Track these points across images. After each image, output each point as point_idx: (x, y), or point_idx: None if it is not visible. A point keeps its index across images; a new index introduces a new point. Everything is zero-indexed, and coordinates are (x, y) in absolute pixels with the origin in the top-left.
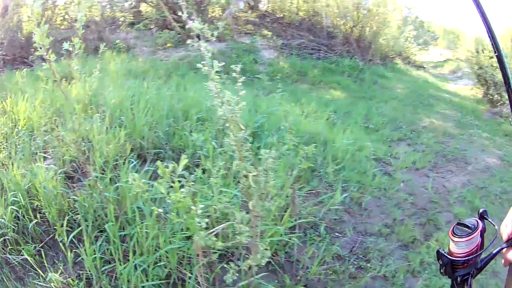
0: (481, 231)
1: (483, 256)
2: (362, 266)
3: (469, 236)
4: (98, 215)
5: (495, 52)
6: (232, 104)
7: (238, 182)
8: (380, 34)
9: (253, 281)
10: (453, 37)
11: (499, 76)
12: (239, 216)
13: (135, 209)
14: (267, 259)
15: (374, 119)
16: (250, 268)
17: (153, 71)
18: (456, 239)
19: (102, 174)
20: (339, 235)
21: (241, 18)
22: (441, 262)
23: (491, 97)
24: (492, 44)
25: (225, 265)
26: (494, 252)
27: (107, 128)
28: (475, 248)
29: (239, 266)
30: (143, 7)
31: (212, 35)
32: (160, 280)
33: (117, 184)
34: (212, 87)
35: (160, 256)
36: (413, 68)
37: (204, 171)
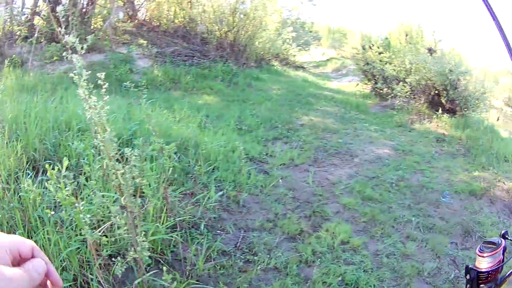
0: (503, 248)
1: (502, 274)
2: (250, 260)
3: (494, 251)
4: (10, 225)
5: None
6: (98, 108)
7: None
8: (255, 37)
9: (146, 278)
10: (339, 36)
11: (389, 70)
12: (114, 210)
13: (37, 217)
14: (153, 256)
15: (247, 121)
16: (140, 267)
17: (41, 85)
18: (485, 255)
19: (8, 186)
20: (221, 232)
21: (120, 28)
22: (468, 277)
23: (380, 91)
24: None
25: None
26: None
27: (7, 142)
28: (497, 263)
29: (125, 260)
30: (37, 20)
31: (82, 48)
32: (69, 283)
33: (19, 194)
34: (81, 93)
35: (64, 259)
36: (291, 69)
37: (87, 179)
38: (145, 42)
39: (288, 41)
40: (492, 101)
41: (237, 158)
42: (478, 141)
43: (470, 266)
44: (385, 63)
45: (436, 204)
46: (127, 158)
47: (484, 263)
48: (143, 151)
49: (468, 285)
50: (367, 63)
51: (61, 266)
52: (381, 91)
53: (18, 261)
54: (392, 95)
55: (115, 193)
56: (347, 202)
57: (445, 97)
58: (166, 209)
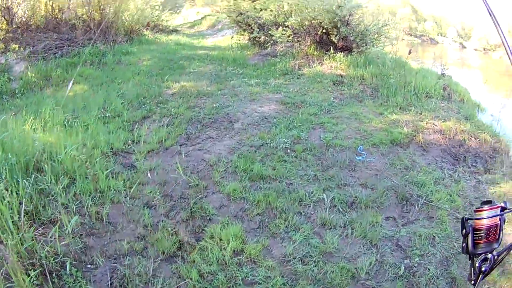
0: (500, 219)
1: (500, 249)
2: None
3: (491, 206)
4: None
5: None
6: None
7: None
8: (122, 11)
9: None
10: None
11: (265, 16)
12: None
13: None
14: None
15: (112, 105)
16: None
17: None
18: (485, 208)
19: None
20: (91, 267)
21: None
22: (464, 232)
23: (258, 39)
24: None
25: None
26: (510, 244)
27: None
28: (495, 225)
29: None
30: None
31: None
32: None
33: None
34: None
35: None
36: (164, 35)
37: None
38: (17, 46)
39: (157, 7)
40: (393, 33)
41: (99, 158)
42: (388, 78)
43: (467, 217)
44: (260, 10)
45: (351, 167)
46: None
47: (482, 220)
48: None
49: (464, 244)
50: (240, 13)
51: None
52: (259, 40)
53: None
54: (272, 41)
55: None
56: (231, 189)
57: (336, 35)
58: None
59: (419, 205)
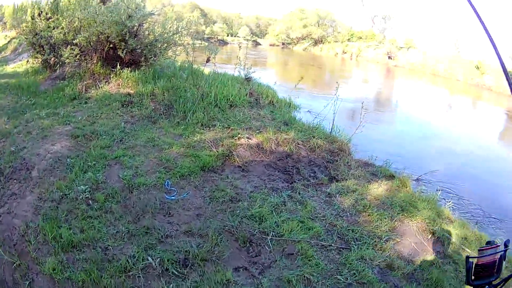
0: (502, 255)
1: (498, 280)
2: None
3: (493, 246)
4: None
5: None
6: None
7: None
8: None
9: None
10: (21, 14)
11: (56, 35)
12: None
13: None
14: None
15: None
16: None
17: None
18: (486, 247)
19: None
20: None
21: None
22: (467, 267)
23: (49, 61)
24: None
25: None
26: (508, 276)
27: None
28: (493, 261)
29: None
30: None
31: None
32: None
33: None
34: None
35: None
36: None
37: None
38: None
39: None
40: (186, 40)
41: None
42: (182, 92)
43: (468, 255)
44: (53, 28)
45: (165, 210)
46: None
47: (482, 259)
48: None
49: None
50: (36, 34)
51: None
52: (50, 62)
53: None
54: (60, 63)
55: None
56: (51, 268)
57: (123, 49)
58: None
59: (270, 244)
